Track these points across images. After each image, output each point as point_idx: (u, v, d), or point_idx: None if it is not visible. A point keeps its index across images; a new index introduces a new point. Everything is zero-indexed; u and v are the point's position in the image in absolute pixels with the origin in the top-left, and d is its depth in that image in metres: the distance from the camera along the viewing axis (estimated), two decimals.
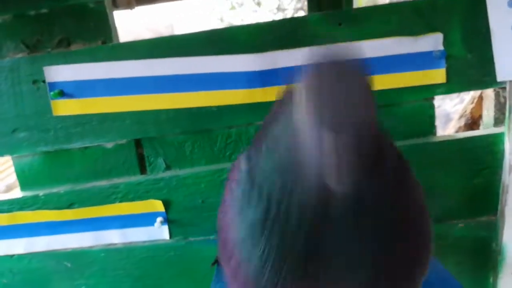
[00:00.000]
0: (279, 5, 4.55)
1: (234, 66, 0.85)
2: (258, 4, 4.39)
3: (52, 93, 0.85)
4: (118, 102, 0.87)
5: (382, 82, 0.86)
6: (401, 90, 0.87)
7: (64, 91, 0.85)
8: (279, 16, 4.64)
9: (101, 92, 0.86)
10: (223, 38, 0.85)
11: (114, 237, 0.93)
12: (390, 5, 0.85)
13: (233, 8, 4.23)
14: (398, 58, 0.85)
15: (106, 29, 0.87)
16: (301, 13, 4.85)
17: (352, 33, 0.83)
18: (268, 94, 0.85)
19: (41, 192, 0.91)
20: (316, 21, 0.84)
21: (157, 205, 0.90)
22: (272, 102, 0.86)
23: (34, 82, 0.86)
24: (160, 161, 0.93)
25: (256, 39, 0.84)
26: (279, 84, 0.85)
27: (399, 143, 0.91)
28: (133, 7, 1.03)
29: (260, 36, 0.84)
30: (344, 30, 0.84)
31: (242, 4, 4.17)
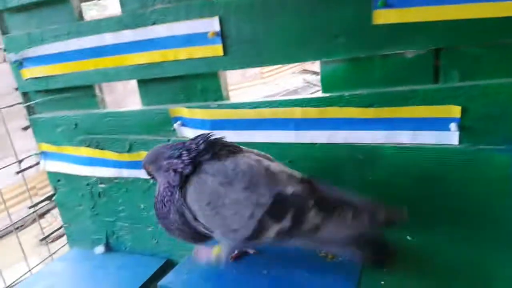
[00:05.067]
0: None
1: None
2: None
3: (380, 2, 0.97)
4: (434, 11, 0.95)
5: None
6: None
7: (387, 1, 0.97)
8: None
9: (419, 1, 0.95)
10: None
11: (405, 137, 1.04)
12: None
13: None
14: None
15: None
16: None
17: None
18: None
19: (346, 93, 1.07)
20: None
21: (454, 111, 0.98)
22: None
23: None
24: (454, 73, 1.00)
25: None
26: None
27: None
28: None
29: None
30: None
31: None
